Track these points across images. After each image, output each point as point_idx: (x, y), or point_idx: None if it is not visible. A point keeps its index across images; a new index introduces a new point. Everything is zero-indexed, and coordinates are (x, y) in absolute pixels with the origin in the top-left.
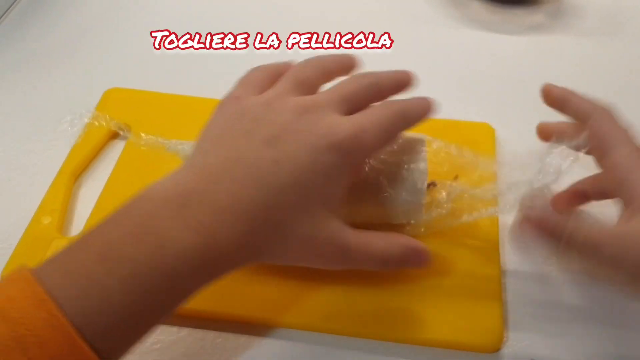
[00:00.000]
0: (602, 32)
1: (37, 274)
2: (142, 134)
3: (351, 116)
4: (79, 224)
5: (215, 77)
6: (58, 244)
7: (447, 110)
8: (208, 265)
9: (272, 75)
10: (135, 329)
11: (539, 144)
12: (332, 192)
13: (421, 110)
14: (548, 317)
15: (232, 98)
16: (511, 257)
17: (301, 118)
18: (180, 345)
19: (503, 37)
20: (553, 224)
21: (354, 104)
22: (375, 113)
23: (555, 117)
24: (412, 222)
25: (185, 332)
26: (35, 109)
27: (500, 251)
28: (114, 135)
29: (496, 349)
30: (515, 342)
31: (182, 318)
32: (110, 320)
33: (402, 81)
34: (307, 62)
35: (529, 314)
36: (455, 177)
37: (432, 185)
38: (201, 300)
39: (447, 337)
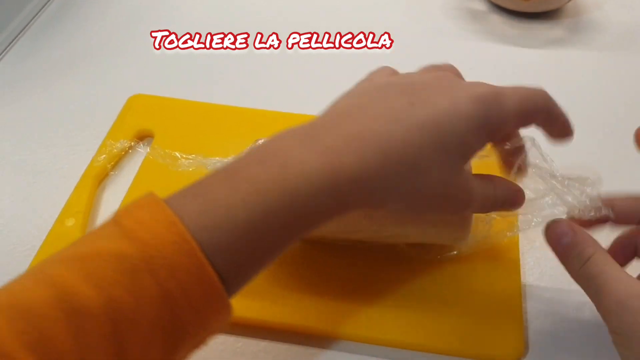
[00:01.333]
0: (620, 47)
1: (167, 200)
2: (160, 149)
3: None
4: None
5: (221, 79)
6: None
7: None
8: (333, 190)
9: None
10: (257, 252)
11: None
12: (470, 142)
13: (563, 117)
14: (568, 332)
15: (363, 80)
16: (532, 272)
17: (436, 79)
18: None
19: (522, 51)
20: (572, 251)
21: None
22: (520, 87)
23: (577, 126)
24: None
25: None
26: (60, 113)
27: (520, 266)
28: (139, 139)
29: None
30: (535, 356)
31: None
32: (233, 240)
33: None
34: None
35: (548, 329)
36: None
37: None
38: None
39: (469, 349)
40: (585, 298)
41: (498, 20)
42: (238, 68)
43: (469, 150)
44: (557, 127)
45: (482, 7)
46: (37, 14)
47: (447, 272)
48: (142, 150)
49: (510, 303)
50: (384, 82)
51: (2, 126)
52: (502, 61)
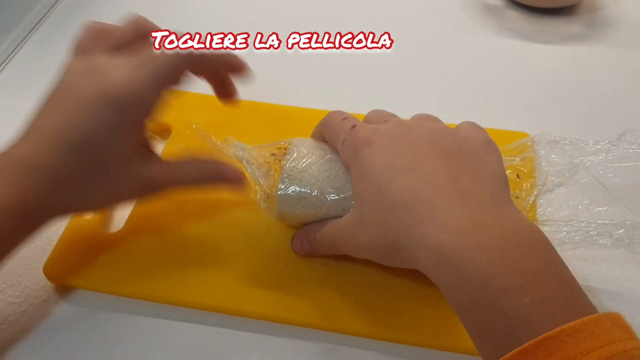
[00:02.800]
0: (637, 43)
1: None
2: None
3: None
4: (120, 220)
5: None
6: (99, 240)
7: (483, 118)
8: (25, 215)
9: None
10: None
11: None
12: (118, 145)
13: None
14: None
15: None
16: None
17: (84, 79)
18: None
19: (539, 47)
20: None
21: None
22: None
23: (594, 122)
24: None
25: None
26: None
27: None
28: (155, 133)
29: None
30: None
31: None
32: None
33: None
34: None
35: None
36: None
37: None
38: None
39: (461, 341)
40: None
41: (514, 16)
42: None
43: (122, 151)
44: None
45: (498, 2)
46: (45, 14)
47: None
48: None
49: None
50: (64, 76)
51: (13, 125)
52: (518, 57)
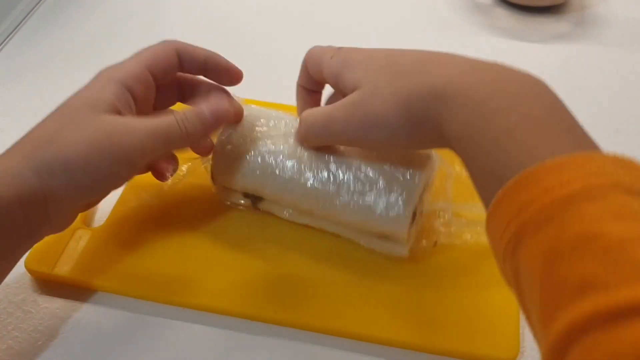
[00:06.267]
0: (625, 42)
1: None
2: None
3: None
4: (102, 216)
5: None
6: (82, 235)
7: None
8: (27, 207)
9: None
10: None
11: None
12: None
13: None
14: None
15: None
16: None
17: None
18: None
19: (527, 45)
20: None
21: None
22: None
23: (582, 120)
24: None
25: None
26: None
27: None
28: None
29: (514, 359)
30: (531, 354)
31: None
32: None
33: None
34: None
35: None
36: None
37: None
38: None
39: (463, 347)
40: None
41: (503, 14)
42: (239, 63)
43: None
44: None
45: (487, 0)
46: (37, 3)
47: (440, 268)
48: None
49: (506, 300)
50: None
51: (5, 114)
52: (506, 55)
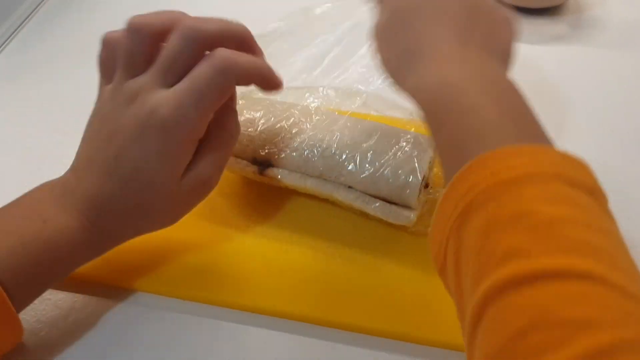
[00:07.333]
0: (622, 44)
1: None
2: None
3: (173, 89)
4: None
5: None
6: None
7: None
8: (86, 241)
9: (113, 51)
10: (32, 283)
11: None
12: (169, 165)
13: (250, 66)
14: None
15: (98, 98)
16: None
17: (128, 108)
18: None
19: (525, 47)
20: None
21: (176, 71)
22: (195, 78)
23: (578, 122)
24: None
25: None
26: (65, 101)
27: None
28: None
29: None
30: None
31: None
32: (10, 275)
33: (228, 31)
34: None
35: None
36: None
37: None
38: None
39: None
40: None
41: None
42: None
43: (174, 171)
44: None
45: None
46: (42, 1)
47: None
48: None
49: None
50: (99, 117)
51: (7, 113)
52: None
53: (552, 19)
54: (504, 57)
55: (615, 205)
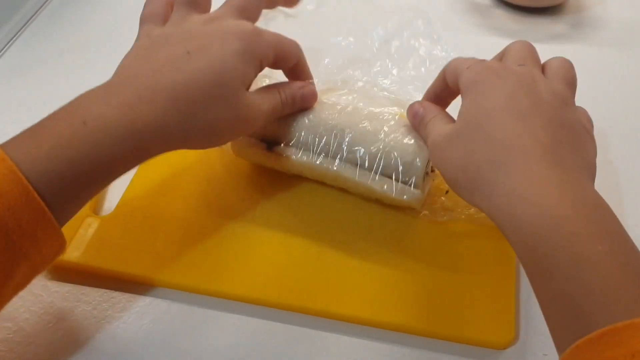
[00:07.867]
0: (622, 43)
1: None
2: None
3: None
4: (112, 203)
5: None
6: (91, 222)
7: None
8: (132, 139)
9: (168, 3)
10: (74, 188)
11: None
12: (243, 71)
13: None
14: None
15: (141, 36)
16: None
17: (207, 25)
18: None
19: None
20: (421, 115)
21: (249, 13)
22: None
23: None
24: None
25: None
26: (68, 100)
27: None
28: None
29: (508, 344)
30: (528, 338)
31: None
32: (50, 183)
33: None
34: None
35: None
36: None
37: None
38: None
39: (460, 332)
40: None
41: (501, 15)
42: None
43: (245, 78)
44: (302, 78)
45: (486, 1)
46: (43, 4)
47: (435, 250)
48: None
49: (502, 284)
50: (160, 34)
51: (12, 110)
52: None
53: (552, 19)
54: (591, 174)
55: (615, 205)
